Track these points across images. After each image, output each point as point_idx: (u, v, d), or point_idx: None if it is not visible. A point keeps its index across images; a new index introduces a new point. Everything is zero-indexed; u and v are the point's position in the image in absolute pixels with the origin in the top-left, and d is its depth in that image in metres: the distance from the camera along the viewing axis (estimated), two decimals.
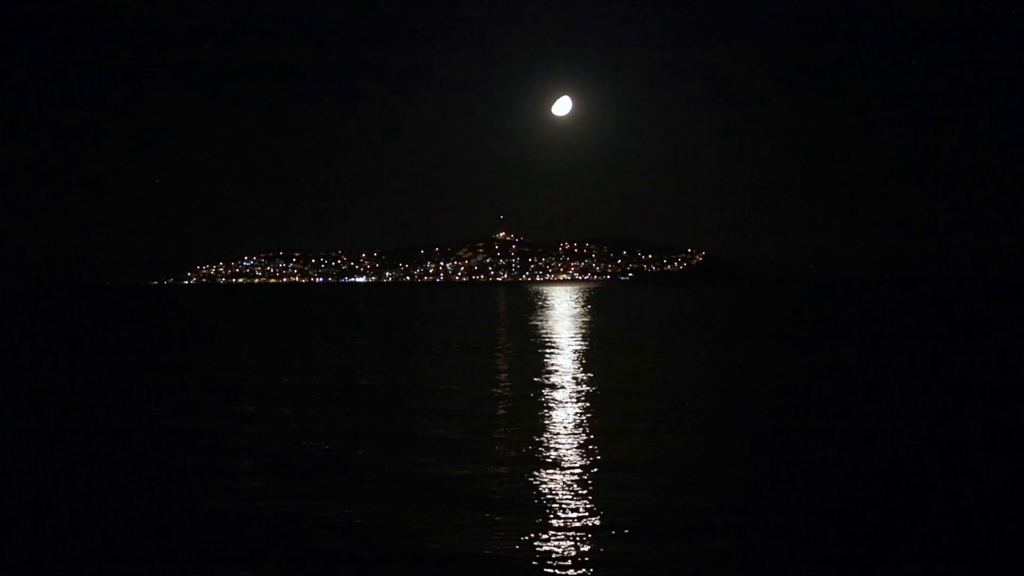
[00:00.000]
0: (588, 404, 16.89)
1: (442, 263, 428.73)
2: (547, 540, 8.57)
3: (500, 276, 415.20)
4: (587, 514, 9.38)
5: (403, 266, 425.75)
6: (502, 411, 16.27)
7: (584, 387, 19.46)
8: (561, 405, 16.76)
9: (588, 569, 7.86)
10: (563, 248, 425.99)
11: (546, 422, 14.83)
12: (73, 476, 11.38)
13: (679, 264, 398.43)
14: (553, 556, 8.14)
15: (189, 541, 8.67)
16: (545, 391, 18.75)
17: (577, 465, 11.57)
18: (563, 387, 19.40)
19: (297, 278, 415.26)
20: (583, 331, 40.31)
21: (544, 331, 40.17)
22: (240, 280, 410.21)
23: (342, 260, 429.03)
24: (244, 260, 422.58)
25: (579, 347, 30.74)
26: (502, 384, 20.40)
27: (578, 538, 8.62)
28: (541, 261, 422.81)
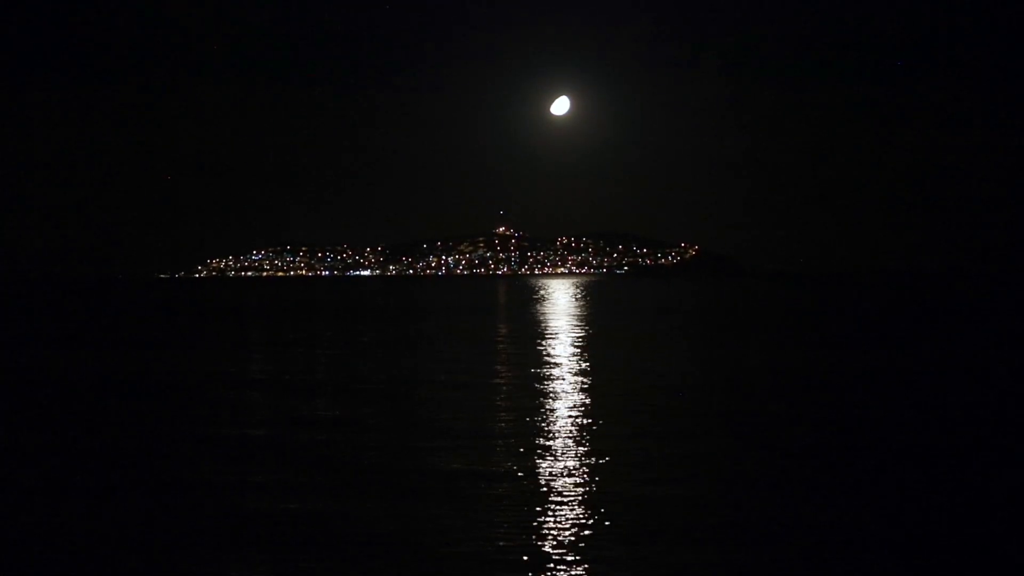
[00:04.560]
0: (586, 396, 16.83)
1: (444, 257, 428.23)
2: (546, 535, 8.52)
3: (500, 270, 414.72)
4: (587, 511, 9.33)
5: (406, 260, 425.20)
6: (502, 404, 16.21)
7: (582, 378, 19.40)
8: (560, 397, 16.70)
9: (587, 569, 7.81)
10: (561, 243, 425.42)
11: (545, 415, 14.77)
12: (80, 472, 11.33)
13: (673, 258, 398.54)
14: (552, 553, 8.10)
15: (196, 532, 8.63)
16: (544, 384, 18.68)
17: (576, 460, 11.52)
18: (561, 379, 19.34)
19: (304, 271, 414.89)
20: (581, 323, 40.24)
21: (543, 323, 40.11)
22: (249, 274, 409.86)
23: (347, 254, 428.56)
24: (253, 254, 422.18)
25: (577, 338, 30.68)
26: (503, 376, 20.34)
27: (578, 536, 8.57)
28: (540, 255, 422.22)
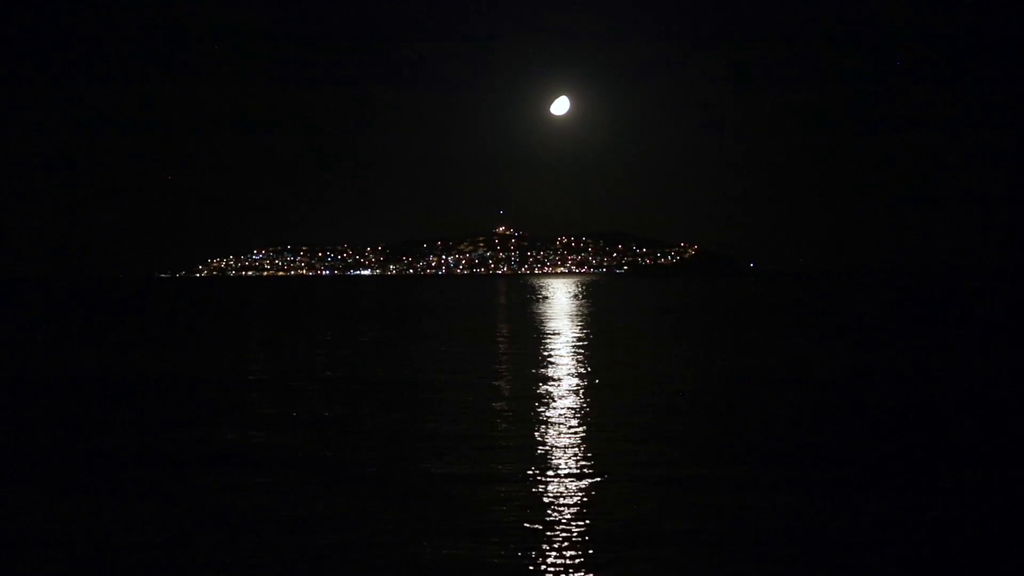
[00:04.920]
0: (586, 396, 16.74)
1: (444, 256, 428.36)
2: (547, 538, 8.42)
3: (500, 269, 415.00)
4: (589, 513, 9.22)
5: (406, 259, 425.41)
6: (502, 406, 16.12)
7: (582, 378, 19.30)
8: (560, 398, 16.60)
9: (588, 568, 7.71)
10: (561, 242, 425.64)
11: (546, 415, 14.67)
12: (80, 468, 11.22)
13: (672, 258, 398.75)
14: (553, 555, 8.00)
15: (193, 534, 8.53)
16: (544, 383, 18.59)
17: (576, 461, 11.41)
18: (561, 379, 19.25)
19: (304, 271, 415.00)
20: (580, 323, 40.14)
21: (543, 322, 40.00)
22: (249, 273, 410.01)
23: (348, 254, 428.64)
24: (253, 254, 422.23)
25: (577, 338, 30.58)
26: (503, 376, 20.25)
27: (576, 544, 8.47)
28: (540, 255, 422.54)
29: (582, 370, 20.84)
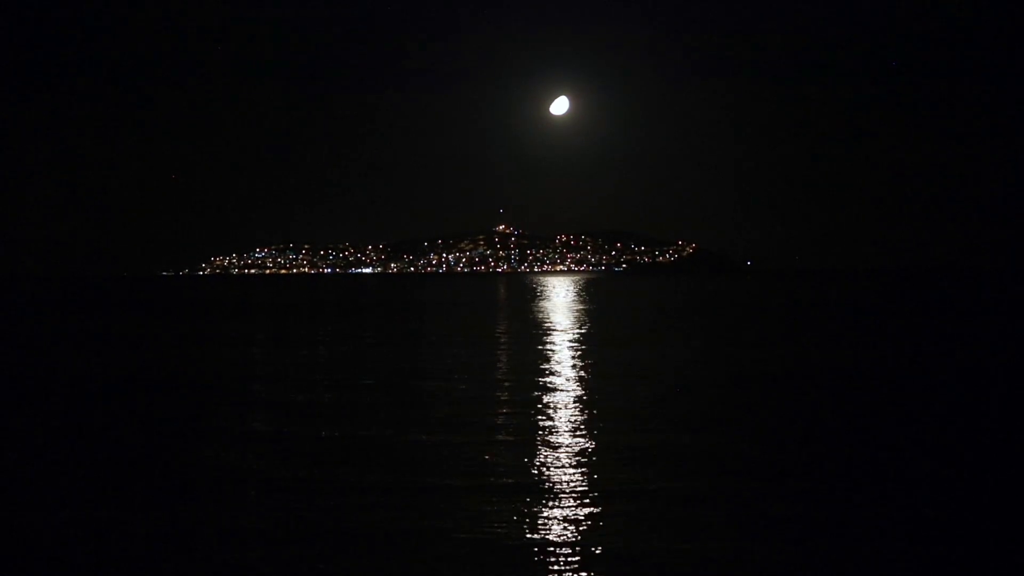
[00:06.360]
0: (586, 394, 16.40)
1: (444, 255, 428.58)
2: (545, 559, 8.08)
3: (500, 267, 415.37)
4: (587, 533, 8.88)
5: (407, 257, 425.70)
6: (502, 410, 15.79)
7: (580, 380, 18.99)
8: (560, 403, 16.26)
9: (588, 565, 7.36)
10: (560, 240, 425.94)
11: (546, 424, 14.35)
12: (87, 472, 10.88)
13: (671, 256, 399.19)
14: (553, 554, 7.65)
15: (193, 537, 8.18)
16: (544, 387, 18.26)
17: (576, 464, 11.09)
18: (561, 382, 18.92)
19: (306, 269, 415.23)
20: (580, 320, 39.84)
21: (543, 320, 39.68)
22: (252, 271, 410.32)
23: (349, 252, 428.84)
24: (256, 252, 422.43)
25: (576, 335, 30.25)
26: (503, 379, 19.95)
27: (578, 562, 8.13)
28: (539, 253, 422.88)
29: (581, 372, 20.51)
